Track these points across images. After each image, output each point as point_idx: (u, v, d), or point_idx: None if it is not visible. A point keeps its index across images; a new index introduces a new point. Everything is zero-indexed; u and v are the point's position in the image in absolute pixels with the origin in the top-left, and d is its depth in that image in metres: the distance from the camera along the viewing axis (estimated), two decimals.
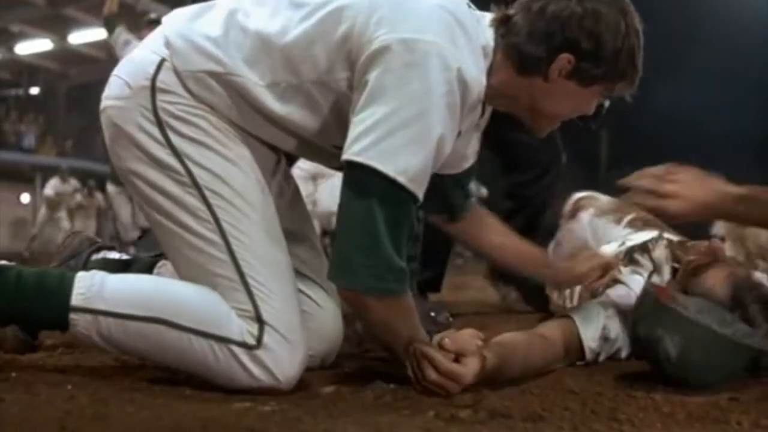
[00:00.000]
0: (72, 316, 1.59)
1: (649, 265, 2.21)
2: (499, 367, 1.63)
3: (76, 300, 1.60)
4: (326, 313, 1.81)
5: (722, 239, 3.73)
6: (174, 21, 1.70)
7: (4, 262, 1.67)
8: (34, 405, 1.38)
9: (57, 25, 21.56)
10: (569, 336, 1.91)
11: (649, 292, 1.81)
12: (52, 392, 1.47)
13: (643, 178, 1.74)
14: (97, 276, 1.64)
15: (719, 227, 4.50)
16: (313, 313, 1.77)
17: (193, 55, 1.62)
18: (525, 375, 1.74)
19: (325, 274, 1.78)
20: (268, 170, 1.74)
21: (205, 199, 1.60)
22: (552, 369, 1.84)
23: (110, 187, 9.26)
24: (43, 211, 14.64)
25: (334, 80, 1.59)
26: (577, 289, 2.52)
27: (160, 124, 1.62)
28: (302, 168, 5.05)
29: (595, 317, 1.96)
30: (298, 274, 1.74)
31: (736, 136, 21.54)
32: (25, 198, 22.90)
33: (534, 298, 3.26)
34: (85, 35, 22.00)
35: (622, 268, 2.23)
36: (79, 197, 15.13)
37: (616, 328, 1.97)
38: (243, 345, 1.55)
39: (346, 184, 1.53)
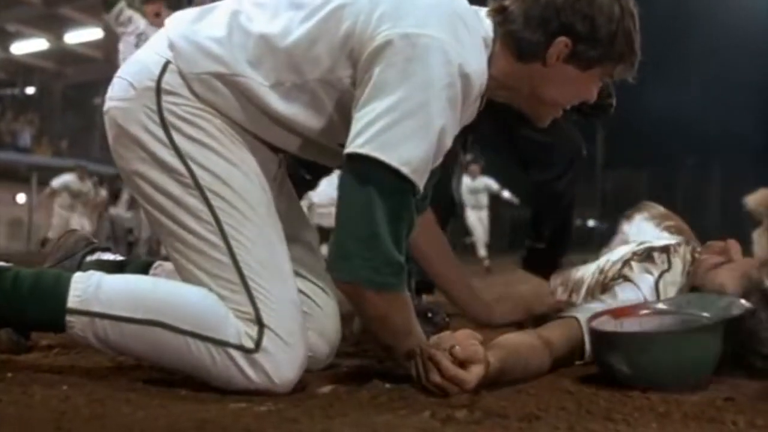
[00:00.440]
0: (68, 318, 1.59)
1: (663, 266, 2.21)
2: (501, 370, 1.64)
3: (72, 302, 1.60)
4: (326, 314, 1.81)
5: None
6: (177, 24, 1.70)
7: (1, 263, 1.66)
8: (29, 405, 1.38)
9: (53, 24, 21.57)
10: (573, 337, 1.91)
11: (591, 330, 1.85)
12: (48, 393, 1.47)
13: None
14: (93, 277, 1.64)
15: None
16: (312, 313, 1.77)
17: (197, 57, 1.62)
18: (525, 377, 1.75)
19: (324, 275, 1.79)
20: (270, 174, 1.74)
21: (206, 201, 1.60)
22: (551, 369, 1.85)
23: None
24: (58, 211, 12.93)
25: (337, 78, 1.60)
26: (585, 284, 2.52)
27: (164, 124, 1.62)
28: None
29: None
30: (297, 275, 1.74)
31: (732, 136, 21.58)
32: (21, 198, 22.86)
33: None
34: (81, 35, 22.02)
35: (635, 265, 2.23)
36: (96, 197, 13.62)
37: None
38: (240, 348, 1.54)
39: (348, 177, 1.53)
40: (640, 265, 2.21)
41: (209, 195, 1.60)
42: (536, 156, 3.28)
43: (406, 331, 1.61)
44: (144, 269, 2.01)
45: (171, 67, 1.63)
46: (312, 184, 3.35)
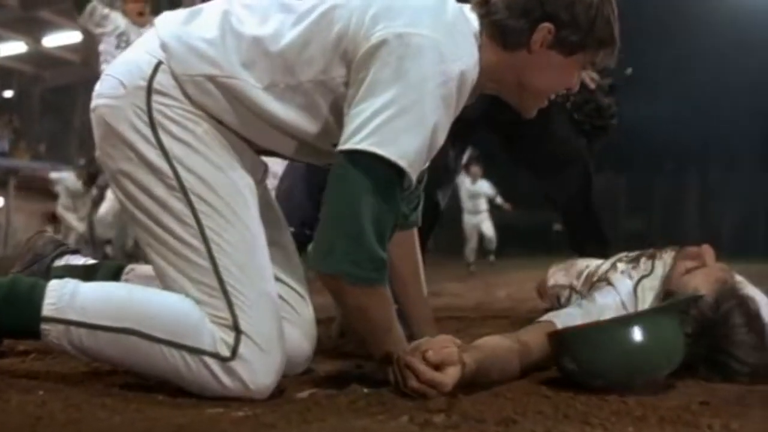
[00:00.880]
0: (43, 326, 1.59)
1: (645, 271, 2.23)
2: (477, 371, 1.65)
3: (47, 310, 1.59)
4: (303, 319, 1.81)
5: None
6: (168, 23, 1.69)
7: None
8: (5, 411, 1.37)
9: (31, 27, 21.38)
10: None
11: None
12: (24, 398, 1.47)
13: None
14: (69, 285, 1.63)
15: None
16: (290, 318, 1.77)
17: (190, 59, 1.62)
18: (503, 378, 1.76)
19: (301, 280, 1.79)
20: (256, 179, 1.74)
21: (190, 204, 1.60)
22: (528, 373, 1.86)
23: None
24: (67, 216, 11.17)
25: (331, 79, 1.61)
26: (584, 273, 2.56)
27: (153, 124, 1.61)
28: None
29: (579, 323, 1.97)
30: (276, 279, 1.73)
31: (710, 142, 21.75)
32: None
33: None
34: (60, 38, 21.83)
35: (620, 267, 2.26)
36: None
37: None
38: (215, 356, 1.54)
39: (339, 173, 1.53)
40: (624, 268, 2.24)
41: (193, 198, 1.60)
42: (546, 161, 3.32)
43: (386, 327, 1.61)
44: (115, 274, 2.00)
45: (163, 67, 1.63)
46: None
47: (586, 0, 1.67)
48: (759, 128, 21.03)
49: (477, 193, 11.49)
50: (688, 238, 2.64)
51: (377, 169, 1.50)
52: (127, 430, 1.26)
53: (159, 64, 1.63)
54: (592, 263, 2.61)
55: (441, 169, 2.80)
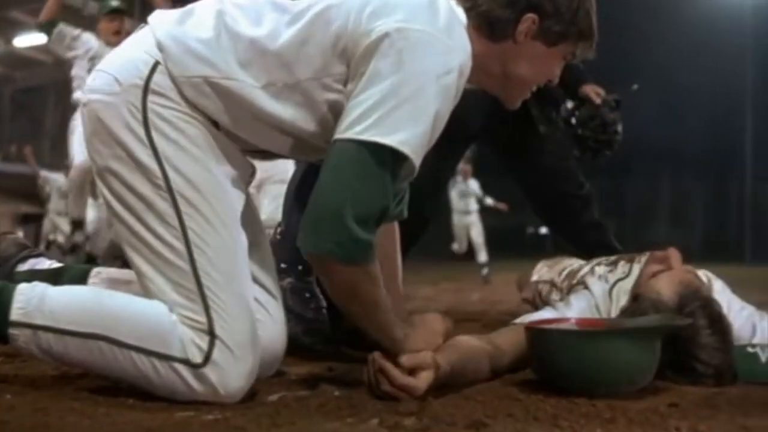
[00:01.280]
0: (11, 330, 1.57)
1: (622, 274, 2.25)
2: (451, 373, 1.66)
3: (15, 315, 1.57)
4: (274, 321, 1.80)
5: None
6: (163, 23, 1.68)
7: None
8: None
9: (2, 27, 21.17)
10: (523, 343, 1.93)
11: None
12: None
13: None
14: (37, 288, 1.62)
15: None
16: (264, 321, 1.76)
17: (188, 60, 1.61)
18: (476, 380, 1.78)
19: (275, 283, 1.79)
20: (243, 183, 1.74)
21: (175, 205, 1.59)
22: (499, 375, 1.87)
23: None
24: (58, 221, 10.78)
25: (329, 76, 1.62)
26: (566, 270, 2.58)
27: (146, 123, 1.60)
28: None
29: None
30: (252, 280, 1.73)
31: (682, 147, 21.94)
32: None
33: None
34: (31, 38, 21.62)
35: (597, 270, 2.28)
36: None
37: None
38: (185, 362, 1.53)
39: (335, 158, 1.54)
40: (602, 272, 2.26)
41: (179, 199, 1.59)
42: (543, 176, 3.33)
43: (374, 302, 1.61)
44: (82, 277, 1.96)
45: (160, 68, 1.62)
46: None
47: None
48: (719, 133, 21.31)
49: (467, 192, 11.30)
50: (660, 242, 2.67)
51: (379, 155, 1.51)
52: None
53: (156, 64, 1.62)
54: (576, 262, 2.63)
55: (430, 181, 2.80)
